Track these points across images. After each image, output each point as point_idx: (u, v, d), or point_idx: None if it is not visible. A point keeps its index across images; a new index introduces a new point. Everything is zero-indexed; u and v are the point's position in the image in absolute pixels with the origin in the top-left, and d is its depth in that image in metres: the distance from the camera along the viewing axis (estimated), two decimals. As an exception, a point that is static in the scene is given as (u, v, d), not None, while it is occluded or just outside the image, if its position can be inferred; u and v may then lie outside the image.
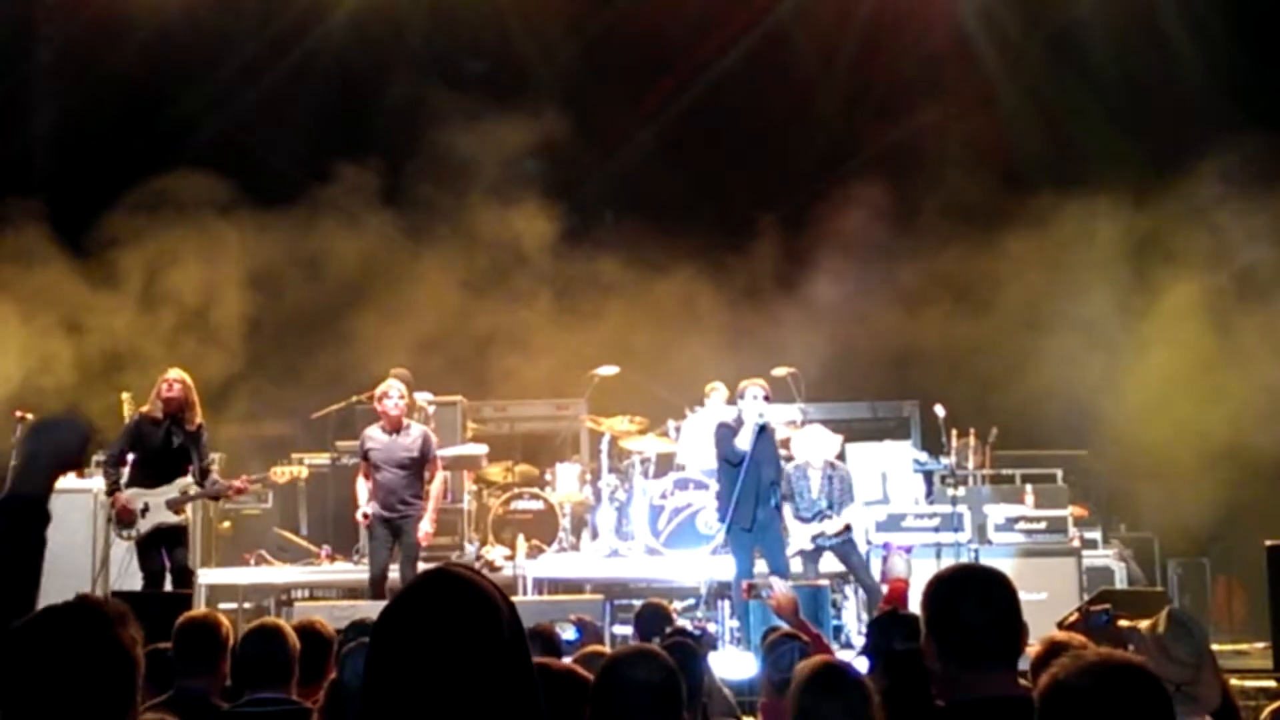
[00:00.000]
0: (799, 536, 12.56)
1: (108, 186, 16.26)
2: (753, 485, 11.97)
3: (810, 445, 12.96)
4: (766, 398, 12.14)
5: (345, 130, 17.48)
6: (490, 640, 2.41)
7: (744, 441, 11.94)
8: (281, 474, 12.52)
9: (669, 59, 18.28)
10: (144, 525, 11.47)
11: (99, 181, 16.35)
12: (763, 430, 12.04)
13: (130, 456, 11.67)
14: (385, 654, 2.44)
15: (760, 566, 12.17)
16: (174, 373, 11.65)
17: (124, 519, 11.46)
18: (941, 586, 3.63)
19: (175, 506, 11.47)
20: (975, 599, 3.52)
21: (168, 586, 11.66)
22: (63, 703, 2.74)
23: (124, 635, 2.85)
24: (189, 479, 11.59)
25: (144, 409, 11.64)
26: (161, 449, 11.51)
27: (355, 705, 4.77)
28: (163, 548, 11.58)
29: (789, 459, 12.95)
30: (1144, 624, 4.31)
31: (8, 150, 17.07)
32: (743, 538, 12.05)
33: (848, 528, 12.62)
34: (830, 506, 12.60)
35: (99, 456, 11.64)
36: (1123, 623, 4.29)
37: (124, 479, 11.60)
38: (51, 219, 15.90)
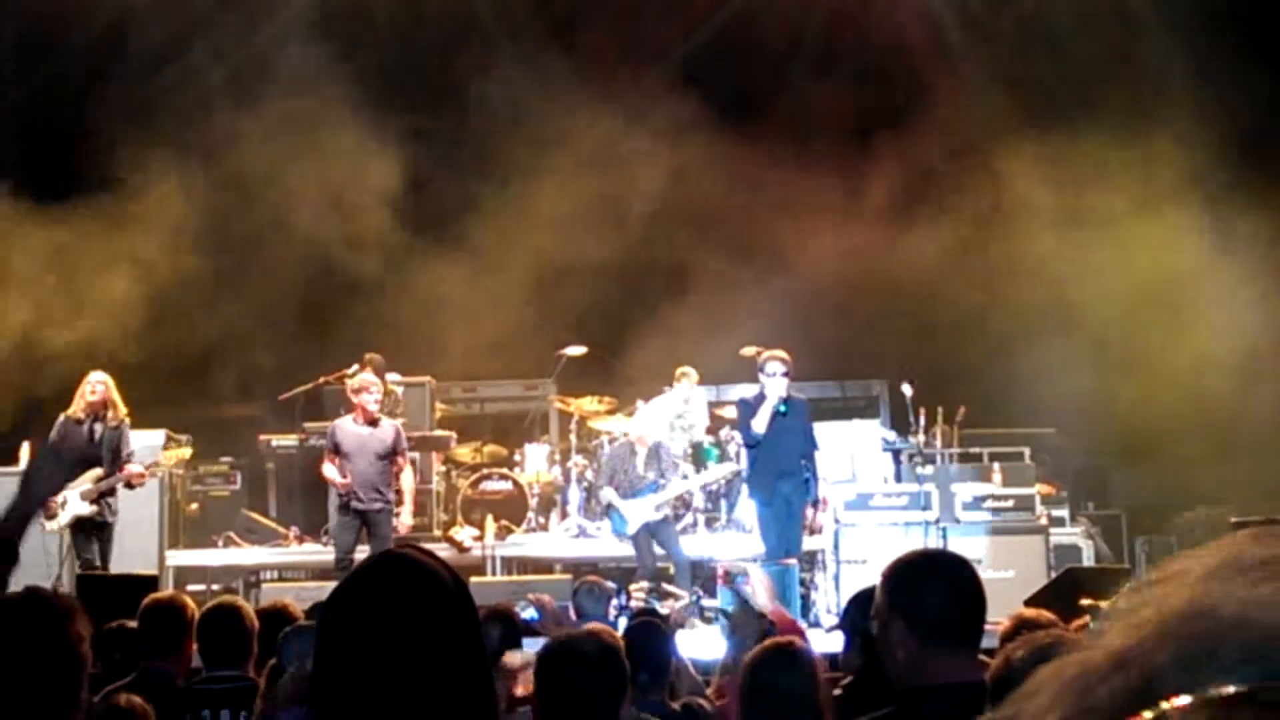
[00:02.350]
0: (633, 514, 12.89)
1: (72, 162, 16.13)
2: (771, 461, 11.92)
3: (644, 424, 13.65)
4: (787, 374, 11.96)
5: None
6: (437, 618, 2.41)
7: (760, 424, 11.84)
8: (169, 458, 13.09)
9: (642, 35, 18.21)
10: (64, 517, 11.96)
11: (63, 157, 16.20)
12: (788, 404, 11.92)
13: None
14: (333, 634, 2.44)
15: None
16: (95, 375, 12.31)
17: (47, 512, 11.96)
18: (907, 569, 3.58)
19: (88, 497, 11.98)
20: (942, 581, 3.47)
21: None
22: (6, 695, 2.71)
23: (72, 631, 2.83)
24: (99, 470, 12.11)
25: (69, 410, 12.27)
26: (85, 445, 12.11)
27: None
28: (93, 537, 12.07)
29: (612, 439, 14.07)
30: (1106, 602, 4.31)
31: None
32: (764, 513, 12.06)
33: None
34: (662, 476, 13.14)
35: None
36: (1085, 601, 4.30)
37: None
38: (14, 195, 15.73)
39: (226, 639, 5.76)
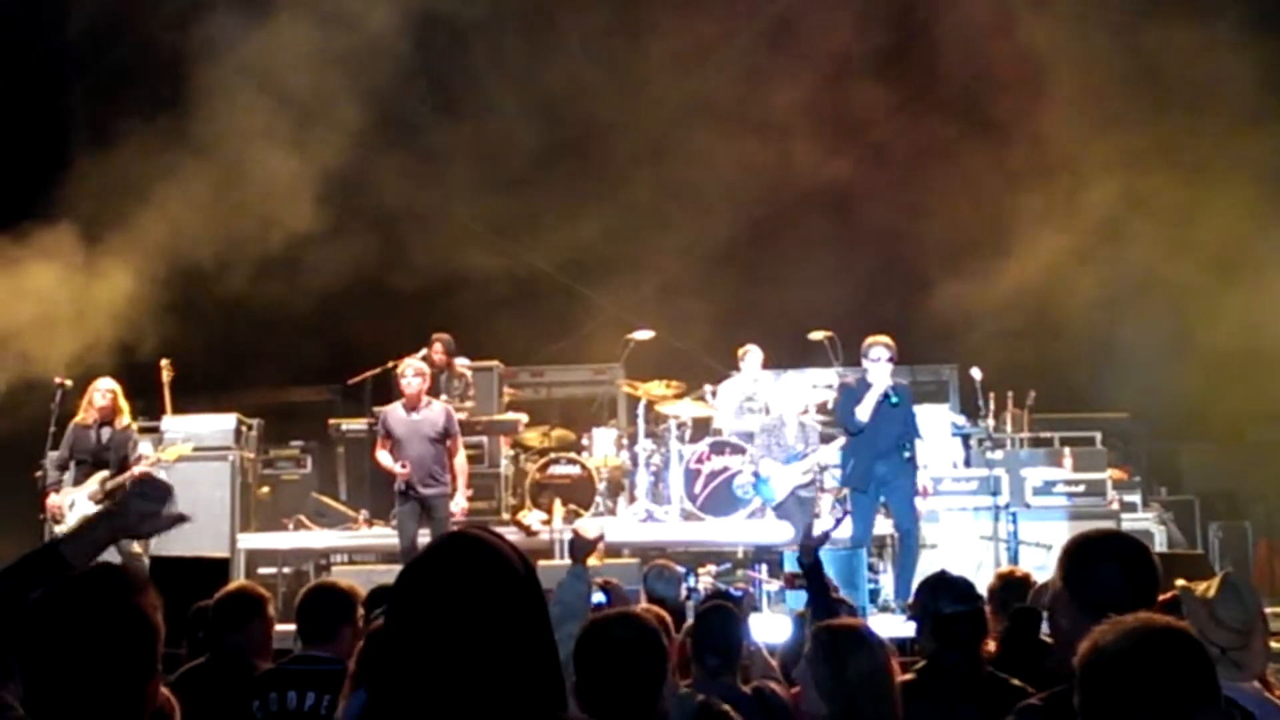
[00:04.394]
0: (783, 480, 12.88)
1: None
2: (869, 444, 11.74)
3: (785, 397, 13.62)
4: (891, 359, 11.74)
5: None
6: (505, 599, 2.42)
7: (865, 413, 11.65)
8: (171, 454, 13.29)
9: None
10: (71, 519, 12.35)
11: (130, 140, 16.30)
12: (897, 392, 11.72)
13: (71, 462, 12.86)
14: (402, 612, 2.46)
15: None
16: (105, 382, 12.83)
17: (54, 517, 12.60)
18: (1083, 545, 3.70)
19: (95, 497, 12.45)
20: (1114, 560, 3.60)
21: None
22: (84, 669, 2.74)
23: (144, 602, 2.85)
24: (106, 472, 12.62)
25: (77, 419, 12.77)
26: (94, 450, 12.69)
27: None
28: None
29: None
30: (1200, 586, 4.27)
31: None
32: (859, 500, 11.90)
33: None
34: (808, 446, 13.13)
35: (53, 458, 12.89)
36: (1179, 583, 4.25)
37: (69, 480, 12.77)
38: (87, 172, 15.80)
39: (320, 620, 5.84)
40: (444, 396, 14.12)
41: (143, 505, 3.22)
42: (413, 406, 12.51)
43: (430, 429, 12.46)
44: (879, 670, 4.52)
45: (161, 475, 12.64)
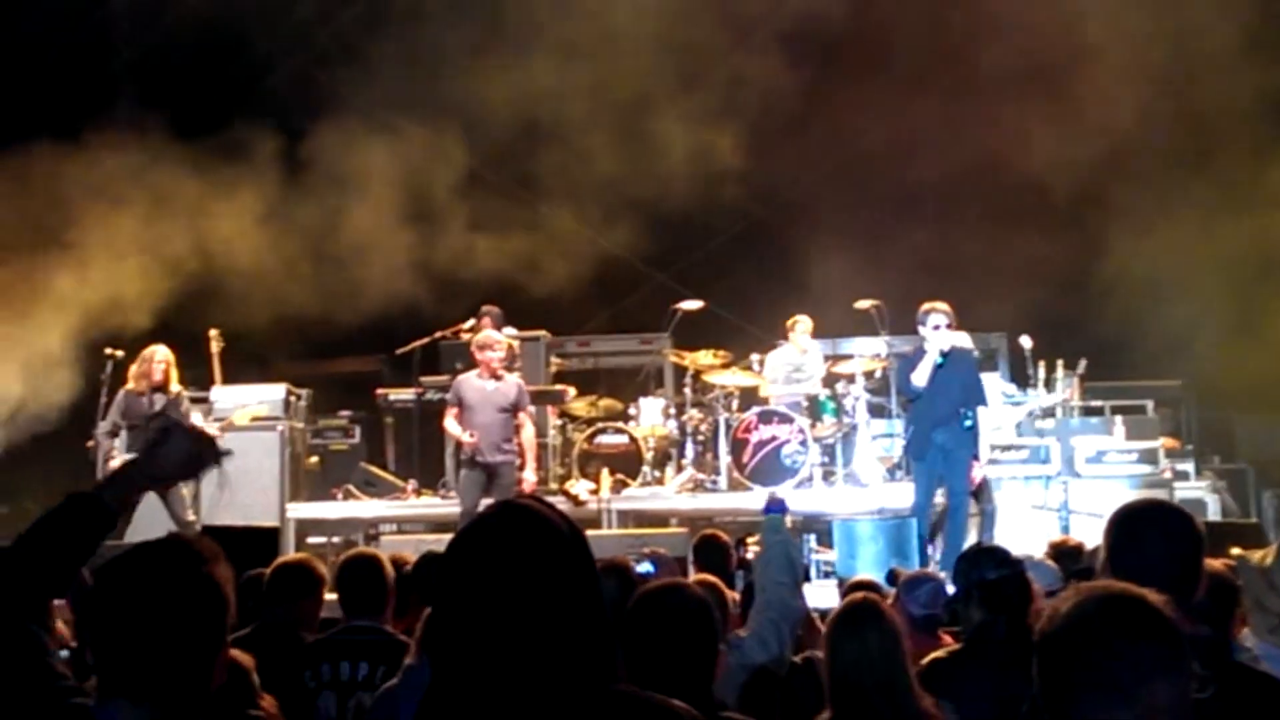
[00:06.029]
0: None
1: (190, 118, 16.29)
2: (927, 411, 11.59)
3: None
4: (949, 325, 11.55)
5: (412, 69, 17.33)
6: (554, 567, 2.43)
7: (921, 378, 11.47)
8: (242, 417, 13.59)
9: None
10: None
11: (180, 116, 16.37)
12: (945, 355, 11.48)
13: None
14: (451, 580, 2.47)
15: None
16: (163, 353, 12.95)
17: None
18: (1130, 517, 3.69)
19: None
20: (1156, 532, 3.57)
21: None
22: (153, 639, 2.72)
23: (216, 573, 2.83)
24: None
25: (129, 386, 12.92)
26: (147, 415, 12.75)
27: None
28: (172, 497, 12.32)
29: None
30: (1257, 554, 4.22)
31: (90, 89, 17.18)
32: (918, 467, 11.88)
33: None
34: None
35: (104, 427, 13.02)
36: (1236, 551, 4.21)
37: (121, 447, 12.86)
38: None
39: (364, 590, 5.88)
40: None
41: (161, 447, 3.19)
42: (492, 378, 12.77)
43: (503, 399, 12.76)
44: (883, 649, 4.49)
45: (212, 429, 12.78)
